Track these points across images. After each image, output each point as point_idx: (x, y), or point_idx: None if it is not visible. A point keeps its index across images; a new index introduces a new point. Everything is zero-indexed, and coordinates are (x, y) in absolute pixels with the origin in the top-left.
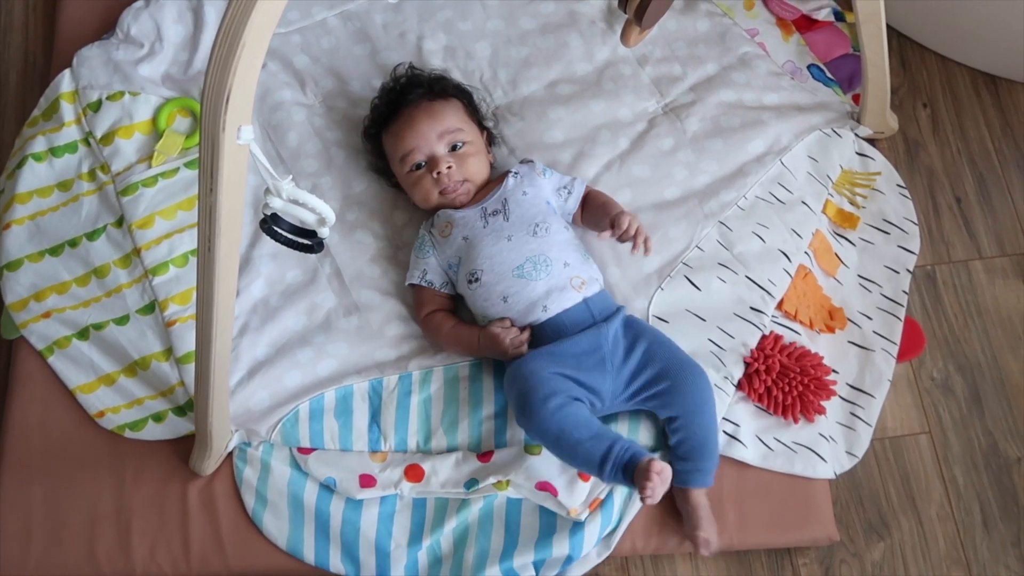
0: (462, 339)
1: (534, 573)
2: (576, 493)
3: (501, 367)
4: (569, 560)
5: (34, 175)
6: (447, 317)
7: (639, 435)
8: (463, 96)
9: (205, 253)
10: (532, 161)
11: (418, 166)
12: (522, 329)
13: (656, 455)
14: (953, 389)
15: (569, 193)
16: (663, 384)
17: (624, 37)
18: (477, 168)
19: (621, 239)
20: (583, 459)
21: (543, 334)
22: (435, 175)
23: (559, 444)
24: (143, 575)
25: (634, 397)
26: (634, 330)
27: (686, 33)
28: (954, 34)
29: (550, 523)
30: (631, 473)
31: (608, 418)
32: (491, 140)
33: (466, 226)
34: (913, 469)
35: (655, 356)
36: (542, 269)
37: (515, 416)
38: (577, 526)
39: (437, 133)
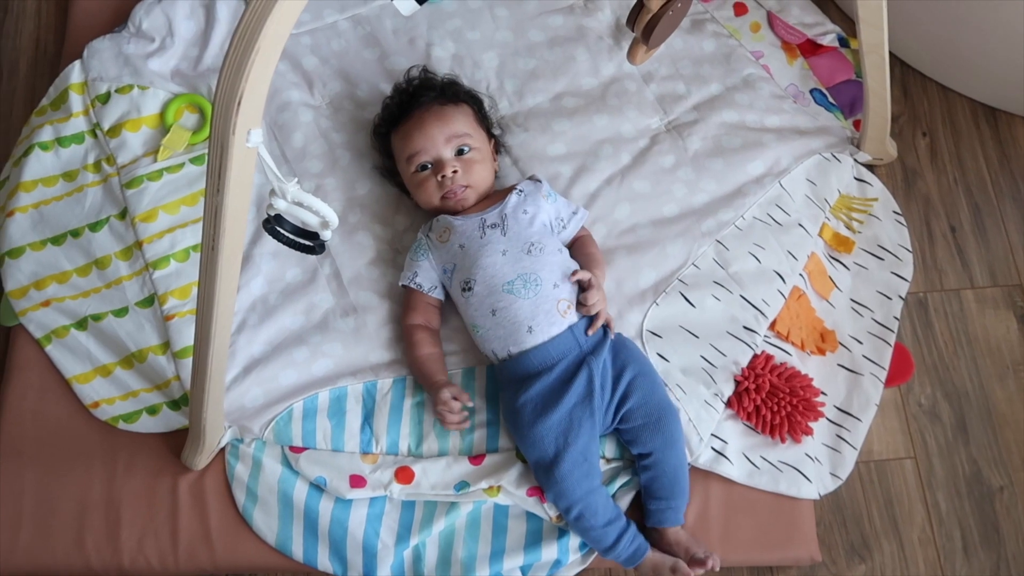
0: (424, 375)
1: None
2: None
3: (494, 376)
4: (557, 564)
5: (40, 164)
6: (425, 340)
7: (605, 447)
8: (474, 103)
9: (208, 252)
10: (540, 181)
11: (424, 167)
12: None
13: (650, 550)
14: (940, 416)
15: (563, 228)
16: (637, 421)
17: (631, 55)
18: (481, 175)
19: (582, 312)
20: (591, 541)
21: (530, 363)
22: (439, 178)
23: (569, 515)
24: (130, 566)
25: (612, 423)
26: (622, 357)
27: (692, 52)
28: (956, 65)
29: (537, 528)
30: (632, 561)
31: None
32: (498, 148)
33: (463, 234)
34: (897, 493)
35: (637, 389)
36: (531, 288)
37: (535, 473)
38: (563, 532)
39: (445, 136)
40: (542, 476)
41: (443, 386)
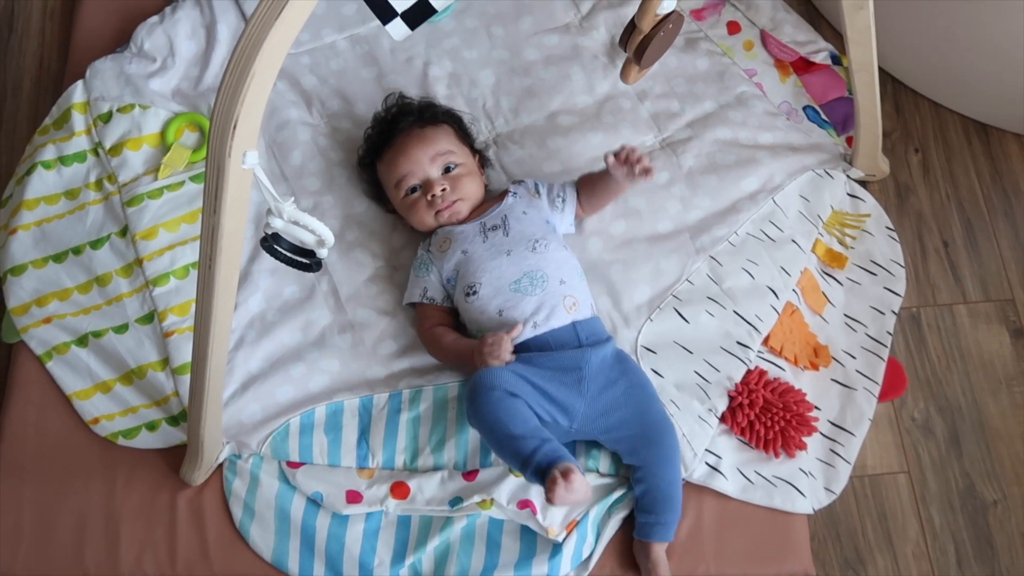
0: (459, 352)
1: None
2: (554, 513)
3: None
4: None
5: (42, 182)
6: (447, 331)
7: (600, 461)
8: (453, 121)
9: (206, 270)
10: (523, 181)
11: (413, 190)
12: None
13: (575, 462)
14: (933, 430)
15: (563, 200)
16: (631, 430)
17: (624, 74)
18: (471, 188)
19: (625, 162)
20: (511, 453)
21: (527, 350)
22: (429, 197)
23: (493, 433)
24: None
25: (605, 432)
26: (623, 366)
27: (686, 71)
28: (948, 82)
29: (530, 544)
30: (548, 471)
31: (576, 444)
32: (483, 163)
33: (465, 240)
34: (891, 507)
35: (632, 399)
36: (538, 284)
37: (464, 408)
38: (556, 548)
39: (429, 157)
40: (470, 389)
41: (479, 339)
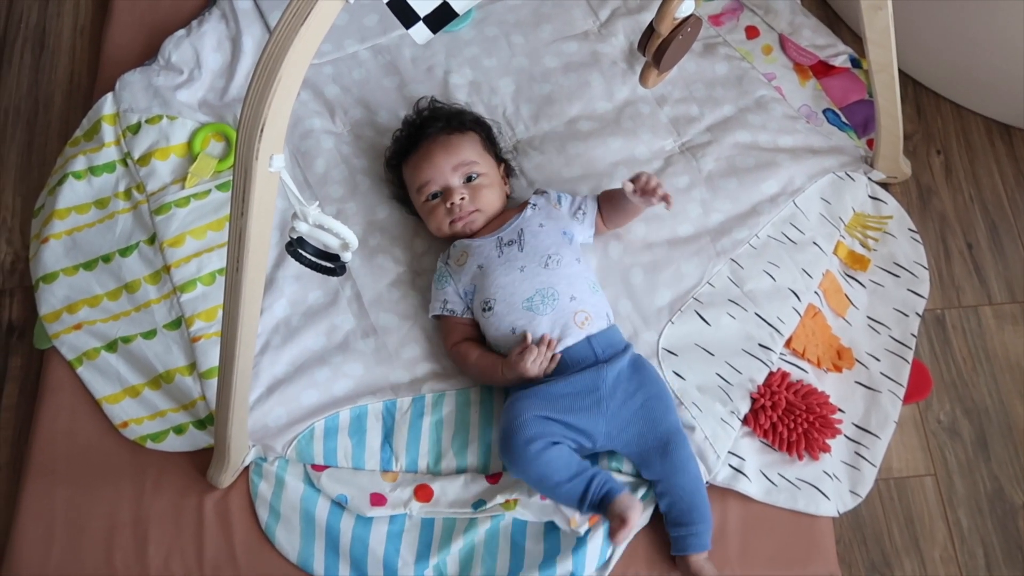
0: (487, 368)
1: None
2: None
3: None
4: None
5: (73, 192)
6: (472, 347)
7: (623, 463)
8: (481, 129)
9: (233, 273)
10: (546, 192)
11: (433, 196)
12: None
13: (627, 488)
14: (959, 433)
15: (584, 213)
16: (646, 444)
17: (643, 79)
18: (489, 200)
19: (642, 192)
20: (564, 500)
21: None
22: (448, 205)
23: (541, 486)
24: None
25: (624, 446)
26: (640, 377)
27: (704, 75)
28: (969, 84)
29: (554, 544)
30: (607, 508)
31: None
32: (508, 172)
33: (481, 255)
34: (917, 510)
35: (648, 413)
36: (549, 303)
37: (500, 454)
38: (580, 545)
39: (452, 165)
40: (504, 444)
41: (507, 356)
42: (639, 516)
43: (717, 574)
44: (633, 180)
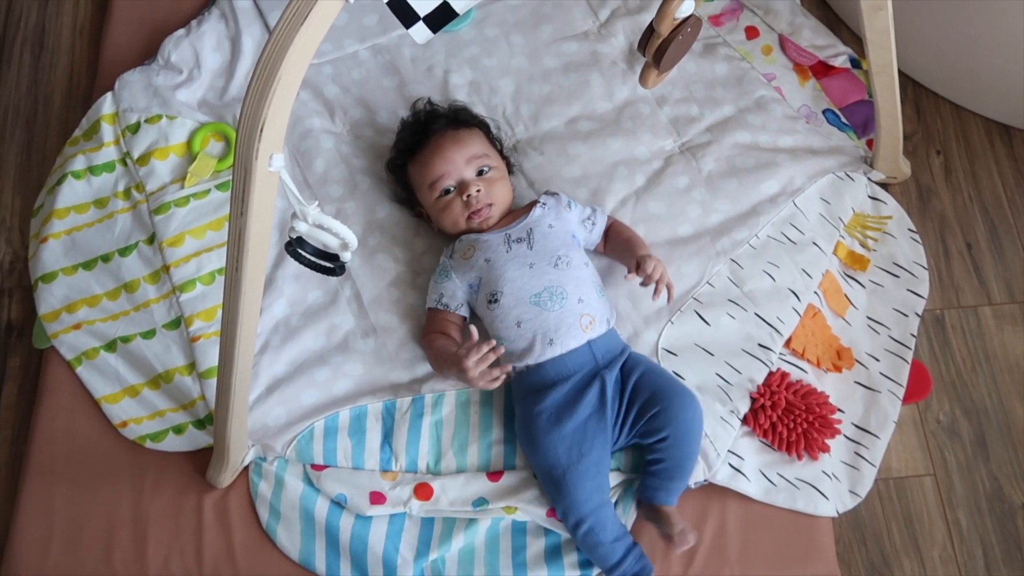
0: (444, 358)
1: None
2: None
3: (511, 393)
4: None
5: (72, 192)
6: (439, 336)
7: (621, 460)
8: (483, 126)
9: (232, 273)
10: (557, 193)
11: (447, 191)
12: (504, 368)
13: (652, 571)
14: (959, 433)
15: (593, 224)
16: (654, 408)
17: (643, 79)
18: (502, 193)
19: (644, 283)
20: (597, 557)
21: (546, 374)
22: (465, 198)
23: (578, 530)
24: None
25: (629, 432)
26: (627, 366)
27: (704, 75)
28: (969, 84)
29: (556, 544)
30: None
31: None
32: (510, 169)
33: (489, 249)
34: (917, 511)
35: (646, 384)
36: (557, 300)
37: (544, 486)
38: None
39: (465, 158)
40: (552, 488)
41: (458, 350)
42: None
43: (686, 524)
44: (638, 265)
